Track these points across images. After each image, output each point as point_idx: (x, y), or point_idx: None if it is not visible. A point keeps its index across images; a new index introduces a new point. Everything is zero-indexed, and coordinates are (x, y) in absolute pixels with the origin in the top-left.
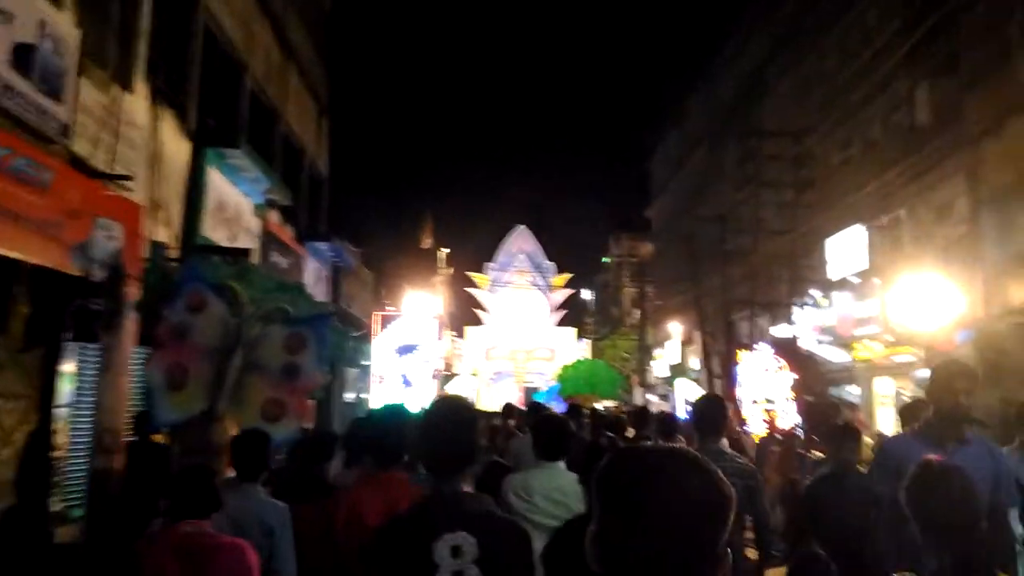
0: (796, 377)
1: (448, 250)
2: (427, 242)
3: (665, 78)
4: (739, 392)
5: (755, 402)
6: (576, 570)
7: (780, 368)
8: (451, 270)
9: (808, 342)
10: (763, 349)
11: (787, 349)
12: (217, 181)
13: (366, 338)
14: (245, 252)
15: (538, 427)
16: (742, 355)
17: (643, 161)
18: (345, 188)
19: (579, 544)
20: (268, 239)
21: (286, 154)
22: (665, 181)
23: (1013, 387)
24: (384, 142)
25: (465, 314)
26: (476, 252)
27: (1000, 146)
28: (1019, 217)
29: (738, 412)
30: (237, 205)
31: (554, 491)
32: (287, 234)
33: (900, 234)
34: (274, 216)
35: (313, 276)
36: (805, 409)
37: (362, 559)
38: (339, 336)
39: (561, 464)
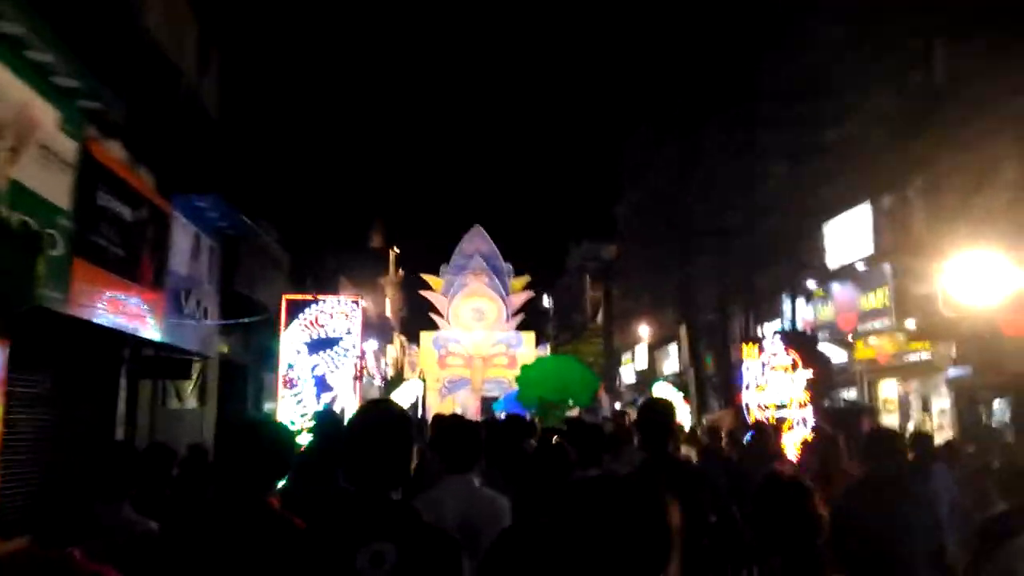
0: (811, 376)
1: (398, 250)
2: (377, 240)
3: (633, 64)
4: (746, 396)
5: (761, 407)
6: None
7: (792, 366)
8: (400, 272)
9: None
10: (773, 342)
11: (801, 342)
12: None
13: (272, 329)
14: None
15: (442, 436)
16: (747, 351)
17: (610, 158)
18: (272, 161)
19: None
20: (94, 172)
21: (144, 65)
22: (635, 176)
23: None
24: (335, 137)
25: (418, 318)
26: (430, 254)
27: None
28: None
29: (745, 421)
30: (23, 105)
31: (461, 503)
32: (140, 179)
33: (915, 210)
34: (112, 147)
35: (188, 243)
36: (826, 415)
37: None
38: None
39: (472, 476)
